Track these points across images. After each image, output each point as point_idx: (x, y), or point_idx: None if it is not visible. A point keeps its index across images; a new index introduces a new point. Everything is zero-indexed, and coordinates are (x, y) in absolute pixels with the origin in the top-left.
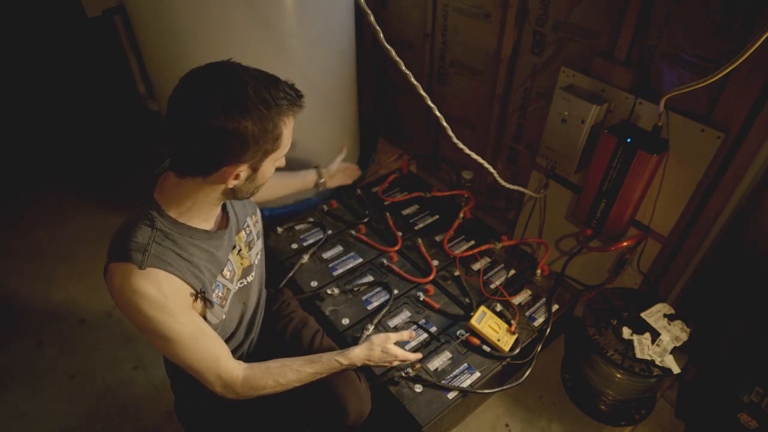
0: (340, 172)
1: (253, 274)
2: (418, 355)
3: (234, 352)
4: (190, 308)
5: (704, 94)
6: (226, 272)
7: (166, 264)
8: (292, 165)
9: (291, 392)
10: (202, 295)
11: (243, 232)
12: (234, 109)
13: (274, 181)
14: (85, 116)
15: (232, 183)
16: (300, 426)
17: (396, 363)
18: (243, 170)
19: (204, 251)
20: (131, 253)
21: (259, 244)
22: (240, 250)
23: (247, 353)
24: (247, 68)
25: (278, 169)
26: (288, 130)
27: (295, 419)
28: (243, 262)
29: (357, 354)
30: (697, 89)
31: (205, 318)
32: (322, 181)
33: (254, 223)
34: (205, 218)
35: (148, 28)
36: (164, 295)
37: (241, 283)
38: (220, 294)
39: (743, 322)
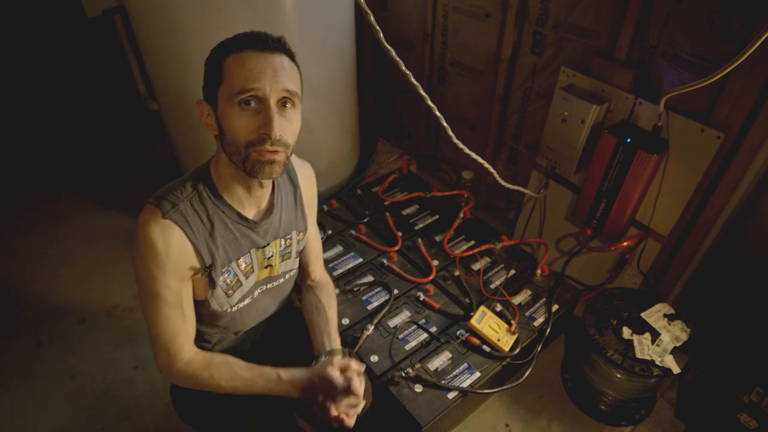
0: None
1: (276, 283)
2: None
3: (237, 346)
4: (184, 278)
5: (704, 94)
6: (242, 263)
7: (186, 225)
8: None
9: None
10: (207, 271)
11: (282, 241)
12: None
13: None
14: (85, 116)
15: (209, 126)
16: (295, 418)
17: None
18: (204, 108)
19: (229, 231)
20: (164, 201)
21: (295, 262)
22: (271, 255)
23: (249, 349)
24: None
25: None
26: (233, 64)
27: (292, 411)
28: (272, 271)
29: (300, 376)
30: (697, 89)
31: (206, 300)
32: (323, 358)
33: (299, 240)
34: (240, 200)
35: (148, 29)
36: (167, 253)
37: (261, 288)
38: (228, 280)
39: (743, 322)
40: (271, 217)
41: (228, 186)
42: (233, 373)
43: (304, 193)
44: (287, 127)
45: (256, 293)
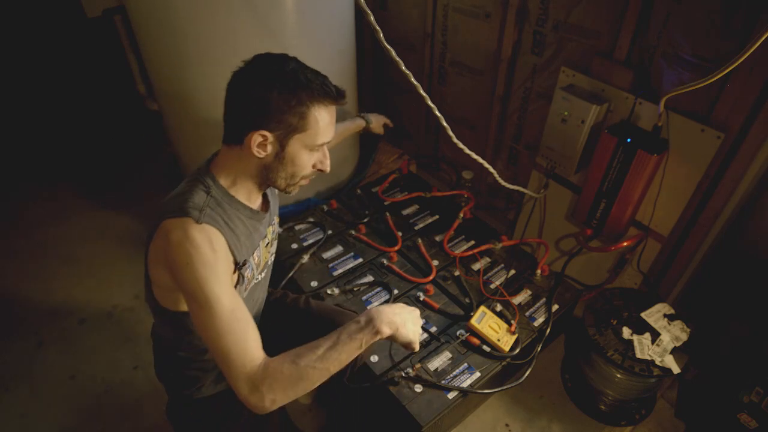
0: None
1: (266, 271)
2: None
3: None
4: (231, 279)
5: (704, 94)
6: (255, 256)
7: (219, 226)
8: None
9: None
10: (239, 268)
11: (273, 227)
12: (264, 78)
13: None
14: (85, 116)
15: (260, 153)
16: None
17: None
18: (269, 140)
19: (246, 227)
20: (189, 210)
21: (276, 245)
22: (268, 243)
23: None
24: (301, 62)
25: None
26: (319, 117)
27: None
28: (266, 256)
29: (382, 310)
30: (697, 89)
31: None
32: (371, 125)
33: (277, 222)
34: (248, 196)
35: (148, 28)
36: (215, 253)
37: (256, 280)
38: (248, 275)
39: (743, 322)
40: (270, 206)
41: (240, 187)
42: (314, 345)
43: None
44: None
45: (253, 282)
